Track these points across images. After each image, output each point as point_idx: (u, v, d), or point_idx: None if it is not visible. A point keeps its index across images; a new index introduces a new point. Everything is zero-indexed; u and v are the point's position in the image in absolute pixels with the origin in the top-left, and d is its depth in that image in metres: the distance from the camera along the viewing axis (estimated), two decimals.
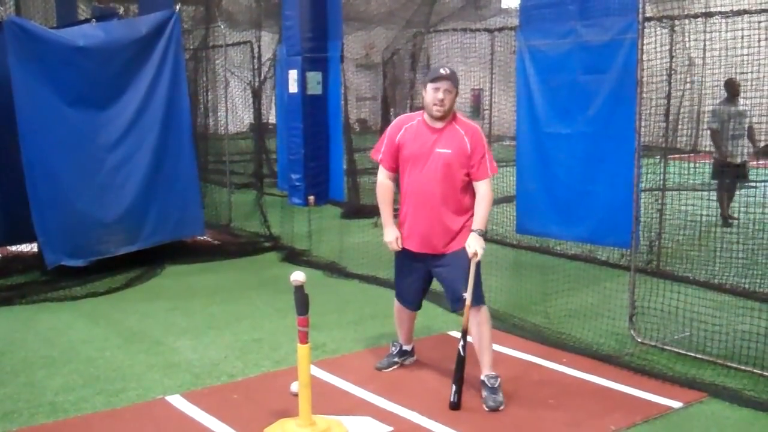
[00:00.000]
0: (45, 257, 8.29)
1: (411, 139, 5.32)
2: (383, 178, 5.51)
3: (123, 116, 8.92)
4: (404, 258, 5.51)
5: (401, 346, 5.91)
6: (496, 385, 5.27)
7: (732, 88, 10.66)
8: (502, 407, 5.14)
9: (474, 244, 5.16)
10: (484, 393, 5.25)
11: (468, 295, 5.16)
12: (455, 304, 5.46)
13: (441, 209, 5.25)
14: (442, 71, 5.21)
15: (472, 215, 5.28)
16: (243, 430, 4.84)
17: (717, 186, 10.80)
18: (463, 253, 5.20)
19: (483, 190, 5.26)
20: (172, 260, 9.32)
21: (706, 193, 10.69)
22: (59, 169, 8.36)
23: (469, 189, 5.31)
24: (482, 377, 5.30)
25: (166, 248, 9.40)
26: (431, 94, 5.18)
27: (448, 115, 5.25)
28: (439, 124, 5.27)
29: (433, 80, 5.19)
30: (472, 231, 5.21)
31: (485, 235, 5.29)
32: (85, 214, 8.54)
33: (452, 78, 5.21)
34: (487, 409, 5.15)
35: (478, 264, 5.22)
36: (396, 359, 5.88)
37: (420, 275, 5.52)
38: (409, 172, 5.34)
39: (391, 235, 5.42)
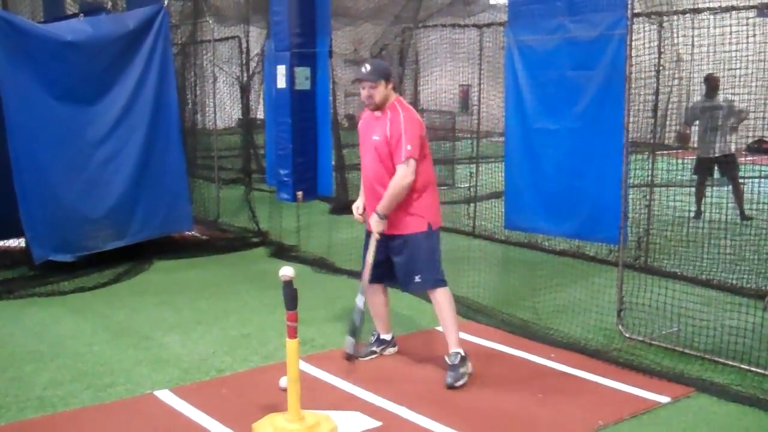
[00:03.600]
0: (32, 252, 8.25)
1: (363, 128, 5.71)
2: None
3: (111, 111, 8.89)
4: (367, 236, 5.75)
5: (378, 335, 6.07)
6: (456, 362, 5.45)
7: (711, 84, 10.70)
8: (458, 383, 5.36)
9: (372, 225, 5.54)
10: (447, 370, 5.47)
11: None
12: (404, 286, 5.82)
13: (379, 193, 5.51)
14: (362, 70, 5.47)
15: (418, 198, 5.49)
16: (232, 425, 4.84)
17: (697, 182, 10.83)
18: (413, 241, 5.50)
19: (396, 174, 5.41)
20: (160, 255, 9.29)
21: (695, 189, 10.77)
22: (47, 164, 8.32)
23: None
24: (445, 356, 5.49)
25: (154, 243, 9.38)
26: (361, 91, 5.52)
27: (383, 105, 5.51)
28: (378, 113, 5.55)
29: (355, 80, 5.54)
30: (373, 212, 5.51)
31: (383, 218, 5.50)
32: (72, 209, 8.51)
33: (370, 75, 5.41)
34: (446, 385, 5.35)
35: (435, 245, 5.56)
36: (374, 348, 6.03)
37: (380, 251, 5.64)
38: (361, 159, 5.75)
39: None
